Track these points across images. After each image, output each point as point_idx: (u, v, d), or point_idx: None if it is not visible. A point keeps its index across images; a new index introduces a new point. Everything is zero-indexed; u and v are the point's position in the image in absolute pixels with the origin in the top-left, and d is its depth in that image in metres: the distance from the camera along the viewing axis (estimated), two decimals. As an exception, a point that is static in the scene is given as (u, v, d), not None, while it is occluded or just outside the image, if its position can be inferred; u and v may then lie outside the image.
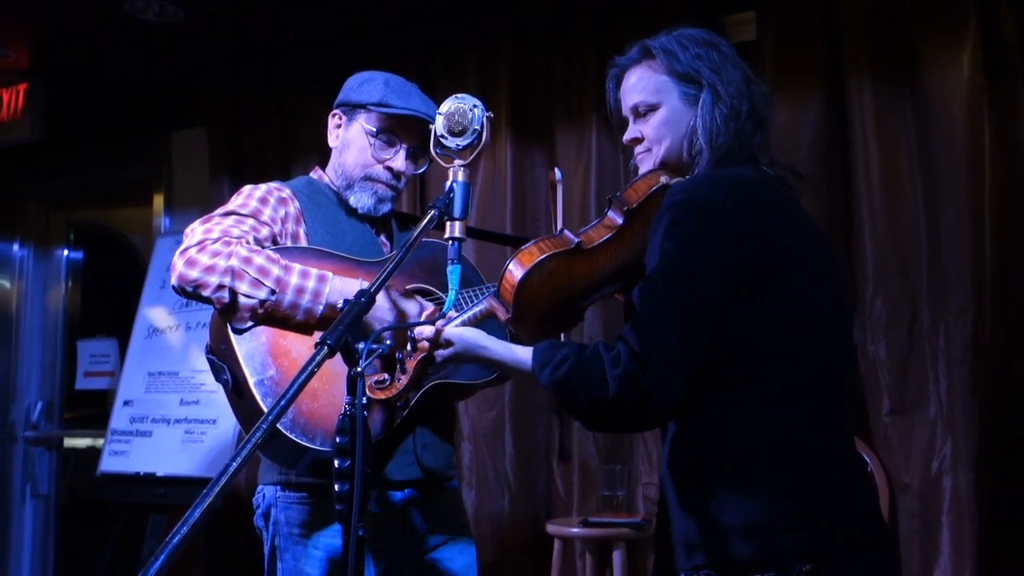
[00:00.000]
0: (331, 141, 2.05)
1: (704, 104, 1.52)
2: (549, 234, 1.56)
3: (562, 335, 1.74)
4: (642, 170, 1.61)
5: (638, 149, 1.62)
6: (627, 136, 1.63)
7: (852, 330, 1.65)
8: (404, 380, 1.62)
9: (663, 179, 1.55)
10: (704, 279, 1.39)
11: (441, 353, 1.59)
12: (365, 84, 2.00)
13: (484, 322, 1.69)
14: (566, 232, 1.55)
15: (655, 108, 1.57)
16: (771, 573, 1.35)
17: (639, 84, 1.60)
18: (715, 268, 1.39)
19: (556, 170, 1.75)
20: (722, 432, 1.42)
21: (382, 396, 1.63)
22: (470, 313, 1.70)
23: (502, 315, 1.55)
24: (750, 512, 1.37)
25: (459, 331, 1.59)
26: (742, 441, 1.40)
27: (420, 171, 2.06)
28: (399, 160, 1.99)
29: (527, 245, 1.53)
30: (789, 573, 1.34)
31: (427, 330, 1.60)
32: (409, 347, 1.62)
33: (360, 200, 1.99)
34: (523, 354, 1.53)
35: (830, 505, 1.40)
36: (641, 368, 1.35)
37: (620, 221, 1.55)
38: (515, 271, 1.51)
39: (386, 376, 1.64)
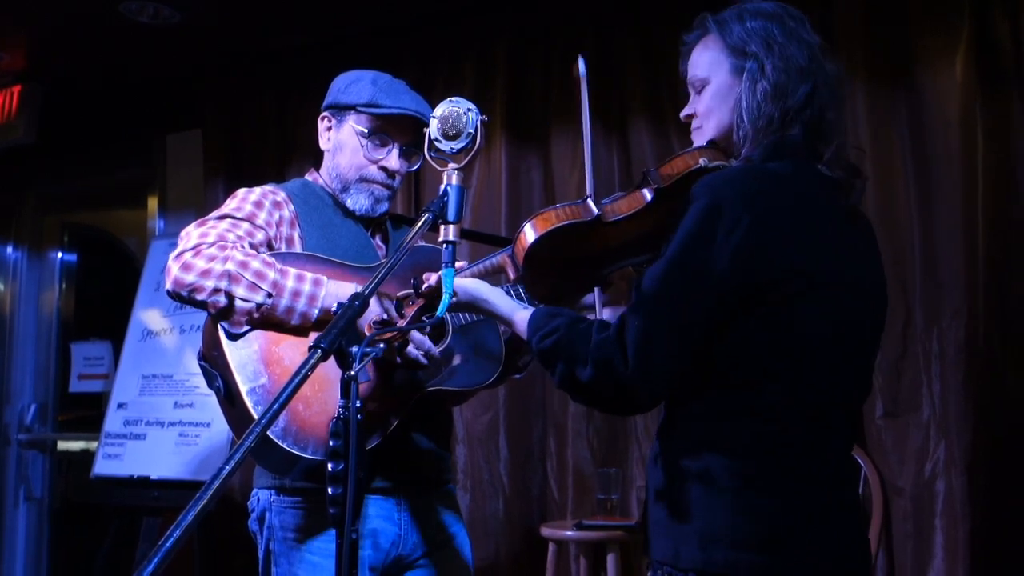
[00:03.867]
0: (322, 144, 2.05)
1: (747, 78, 1.46)
2: (573, 201, 1.52)
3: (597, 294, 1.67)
4: (695, 145, 1.55)
5: (693, 124, 1.57)
6: (683, 112, 1.58)
7: (875, 351, 1.55)
8: (402, 323, 1.58)
9: (702, 161, 1.48)
10: (706, 289, 1.35)
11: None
12: (353, 85, 1.99)
13: (494, 276, 1.67)
14: (589, 201, 1.50)
15: (706, 82, 1.52)
16: None
17: (695, 59, 1.55)
18: (720, 279, 1.34)
19: (580, 61, 1.59)
20: (707, 439, 1.39)
21: (379, 338, 1.57)
22: (482, 265, 1.68)
23: (512, 273, 1.55)
24: (714, 521, 1.35)
25: (465, 282, 1.58)
26: (724, 450, 1.37)
27: (414, 168, 2.05)
28: (393, 159, 1.98)
29: (547, 209, 1.51)
30: None
31: (432, 276, 1.58)
32: (413, 292, 1.60)
33: (357, 202, 1.99)
34: (521, 315, 1.51)
35: (799, 531, 1.34)
36: (622, 359, 1.34)
37: (649, 198, 1.49)
38: (528, 234, 1.49)
39: (383, 316, 1.60)
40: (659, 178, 1.49)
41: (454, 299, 1.52)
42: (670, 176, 1.48)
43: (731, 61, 1.49)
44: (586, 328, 1.41)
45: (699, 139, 1.55)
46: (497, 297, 1.56)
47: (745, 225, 1.34)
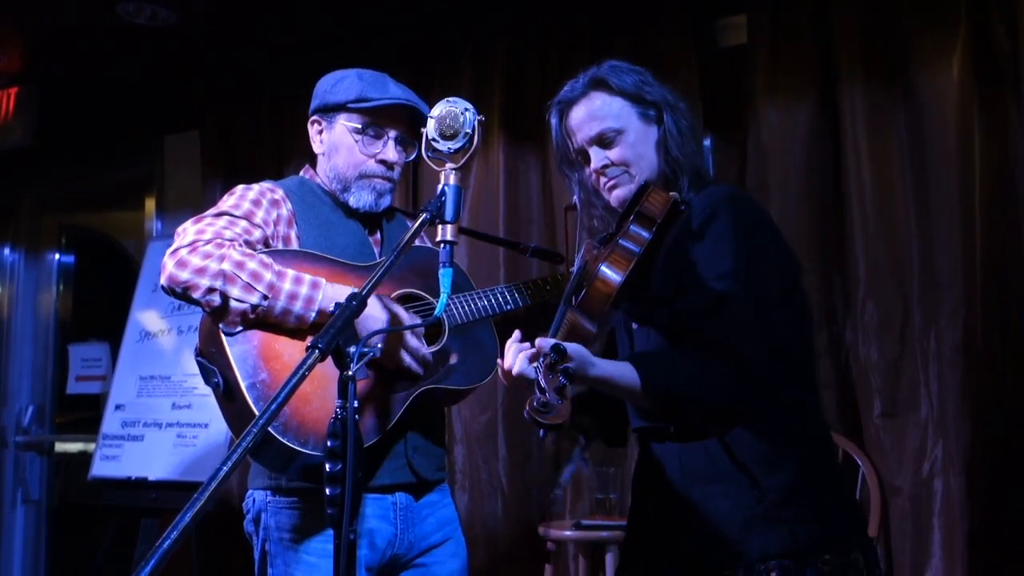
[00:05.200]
0: (316, 148, 2.04)
1: (669, 121, 1.63)
2: (611, 246, 1.55)
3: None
4: (619, 192, 1.65)
5: (611, 172, 1.66)
6: (596, 164, 1.67)
7: None
8: (563, 402, 1.35)
9: (673, 194, 1.58)
10: (771, 283, 1.53)
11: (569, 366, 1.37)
12: (338, 84, 1.99)
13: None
14: (626, 245, 1.54)
15: (621, 132, 1.65)
16: (829, 555, 1.46)
17: (600, 112, 1.66)
18: (775, 273, 1.54)
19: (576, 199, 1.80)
20: (771, 430, 1.51)
21: (559, 422, 1.35)
22: (559, 333, 1.53)
23: (591, 328, 1.49)
24: (813, 499, 1.49)
25: (570, 345, 1.41)
26: (792, 438, 1.53)
27: (411, 159, 2.04)
28: (390, 151, 1.98)
29: (607, 254, 1.52)
30: (848, 551, 1.48)
31: (547, 343, 1.39)
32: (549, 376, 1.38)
33: (360, 199, 1.98)
34: (624, 367, 1.47)
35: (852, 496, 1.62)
36: (750, 381, 1.46)
37: (648, 236, 1.55)
38: (612, 277, 1.49)
39: (538, 396, 1.36)
40: (651, 216, 1.57)
41: (570, 370, 1.36)
42: (659, 213, 1.57)
43: (637, 109, 1.65)
44: (696, 359, 1.47)
45: (627, 183, 1.65)
46: (593, 356, 1.46)
47: (773, 229, 1.58)
